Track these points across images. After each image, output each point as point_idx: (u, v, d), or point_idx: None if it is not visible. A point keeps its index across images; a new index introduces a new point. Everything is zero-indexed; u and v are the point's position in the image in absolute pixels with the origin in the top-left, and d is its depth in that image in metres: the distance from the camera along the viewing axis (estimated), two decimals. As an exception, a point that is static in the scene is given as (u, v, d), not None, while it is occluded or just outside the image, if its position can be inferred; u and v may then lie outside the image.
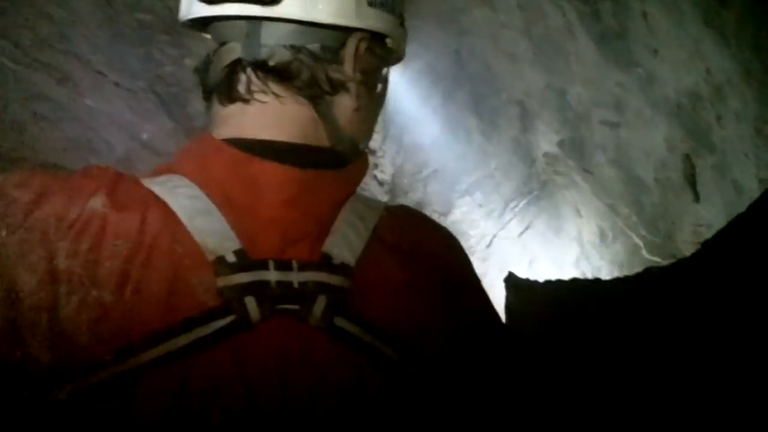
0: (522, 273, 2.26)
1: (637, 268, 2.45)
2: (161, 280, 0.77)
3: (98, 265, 0.76)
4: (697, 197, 3.22)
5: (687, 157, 3.22)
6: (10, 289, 0.75)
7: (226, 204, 0.82)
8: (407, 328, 0.85)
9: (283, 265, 0.81)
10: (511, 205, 2.21)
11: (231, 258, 0.79)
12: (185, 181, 0.84)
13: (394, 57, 0.93)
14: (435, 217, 2.01)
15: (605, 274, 3.19)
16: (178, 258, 0.78)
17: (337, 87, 0.87)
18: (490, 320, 0.95)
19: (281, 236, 0.83)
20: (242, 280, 0.79)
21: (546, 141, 2.22)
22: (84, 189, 0.80)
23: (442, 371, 0.87)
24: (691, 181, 3.29)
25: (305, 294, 0.81)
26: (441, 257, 0.92)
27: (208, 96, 0.90)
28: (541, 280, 2.28)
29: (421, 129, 2.32)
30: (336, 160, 0.88)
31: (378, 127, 2.11)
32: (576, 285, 2.29)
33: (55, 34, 1.43)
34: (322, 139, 0.88)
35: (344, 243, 0.86)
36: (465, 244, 2.04)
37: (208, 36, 0.91)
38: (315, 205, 0.85)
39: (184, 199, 0.82)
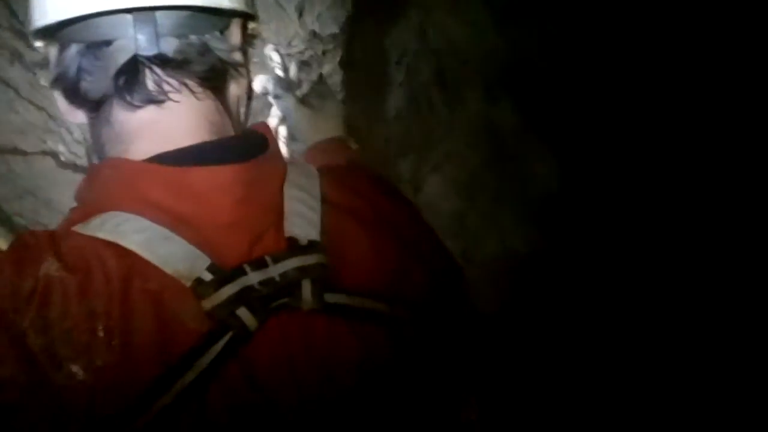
0: (495, 249, 2.25)
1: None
2: (147, 324, 0.73)
3: (76, 331, 0.71)
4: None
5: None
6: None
7: (178, 224, 0.78)
8: (386, 281, 0.87)
9: (259, 264, 0.80)
10: (481, 179, 2.20)
11: (207, 276, 0.77)
12: (124, 215, 0.78)
13: (253, 39, 0.91)
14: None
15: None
16: (154, 295, 0.75)
17: (234, 74, 0.86)
18: (443, 255, 0.99)
19: (245, 237, 0.81)
20: (228, 294, 0.77)
21: (514, 112, 2.19)
22: (28, 259, 0.73)
23: (426, 313, 0.89)
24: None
25: (289, 284, 0.80)
26: (387, 207, 0.93)
27: (95, 107, 0.81)
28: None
29: (385, 104, 2.32)
30: (255, 145, 0.85)
31: (341, 101, 2.08)
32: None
33: (5, 14, 1.39)
34: (229, 130, 0.86)
35: (303, 221, 0.85)
36: (437, 222, 2.02)
37: (56, 44, 0.81)
38: (264, 195, 0.84)
39: (134, 234, 0.77)
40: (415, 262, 0.91)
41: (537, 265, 2.26)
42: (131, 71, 0.80)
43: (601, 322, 2.19)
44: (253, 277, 0.79)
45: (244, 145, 0.85)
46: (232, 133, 0.86)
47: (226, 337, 0.76)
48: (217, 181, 0.80)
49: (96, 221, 0.78)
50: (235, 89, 0.87)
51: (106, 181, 0.82)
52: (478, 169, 2.21)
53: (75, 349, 0.71)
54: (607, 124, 2.36)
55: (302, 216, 0.85)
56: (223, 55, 0.83)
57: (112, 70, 0.80)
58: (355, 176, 0.99)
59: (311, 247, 0.83)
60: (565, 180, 2.30)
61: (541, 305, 2.22)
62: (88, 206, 0.81)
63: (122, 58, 0.79)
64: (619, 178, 2.35)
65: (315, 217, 0.86)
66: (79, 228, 0.78)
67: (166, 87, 0.81)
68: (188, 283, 0.76)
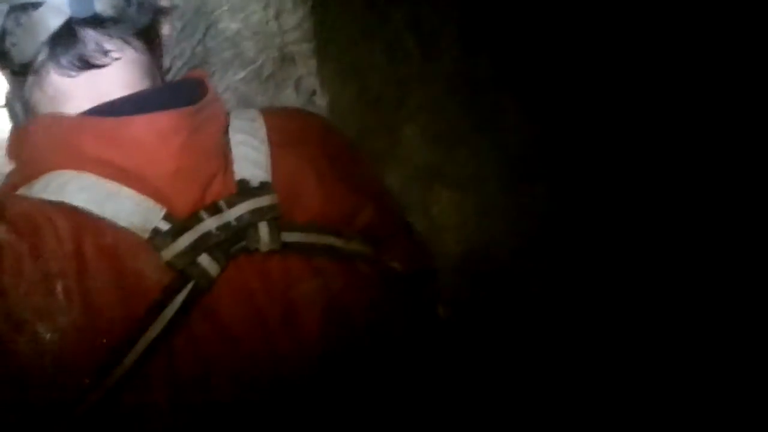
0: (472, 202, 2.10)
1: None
2: (105, 281, 0.72)
3: (32, 295, 0.70)
4: None
5: None
6: None
7: (124, 177, 0.76)
8: (339, 217, 0.88)
9: (214, 210, 0.79)
10: (457, 130, 1.95)
11: (164, 226, 0.75)
12: (67, 174, 0.76)
13: None
14: (380, 146, 2.15)
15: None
16: (110, 251, 0.73)
17: (161, 22, 0.86)
18: (391, 197, 1.02)
19: (195, 183, 0.79)
20: (187, 243, 0.76)
21: (492, 63, 1.80)
22: None
23: (380, 249, 0.91)
24: None
25: (246, 227, 0.79)
26: (333, 145, 0.93)
27: (23, 70, 0.80)
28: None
29: (359, 53, 2.18)
30: (193, 91, 0.84)
31: (314, 49, 2.27)
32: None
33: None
34: (158, 79, 0.87)
35: (252, 163, 0.83)
36: (413, 173, 2.18)
37: None
38: (208, 140, 0.82)
39: (80, 192, 0.75)
40: (365, 198, 0.92)
41: (515, 218, 2.05)
42: (67, 35, 0.77)
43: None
44: (210, 223, 0.78)
45: (182, 91, 0.83)
46: (160, 81, 0.86)
47: (189, 286, 0.75)
48: (157, 127, 0.77)
49: (39, 184, 0.76)
50: (163, 36, 0.88)
51: (41, 140, 0.79)
52: (454, 120, 2.04)
53: (35, 312, 0.69)
54: (588, 80, 1.80)
55: (249, 159, 0.84)
56: (155, 4, 0.83)
57: (44, 35, 0.76)
58: (299, 117, 0.98)
59: (263, 188, 0.82)
60: (543, 133, 1.92)
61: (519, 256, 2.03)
62: (26, 168, 0.79)
63: (55, 22, 0.76)
64: (598, 130, 1.86)
65: (262, 158, 0.84)
66: (23, 191, 0.76)
67: (107, 48, 0.79)
68: (145, 235, 0.74)
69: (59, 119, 0.79)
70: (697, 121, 1.66)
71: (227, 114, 0.86)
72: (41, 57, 0.78)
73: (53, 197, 0.75)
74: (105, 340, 0.71)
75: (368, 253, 0.87)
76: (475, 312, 2.00)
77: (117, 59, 0.80)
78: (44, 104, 0.81)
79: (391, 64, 2.12)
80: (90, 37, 0.78)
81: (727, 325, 1.68)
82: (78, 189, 0.75)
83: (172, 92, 0.83)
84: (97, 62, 0.79)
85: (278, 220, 0.81)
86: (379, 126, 2.17)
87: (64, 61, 0.78)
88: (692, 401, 1.71)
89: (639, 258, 1.81)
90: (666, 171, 1.74)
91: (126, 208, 0.75)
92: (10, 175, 0.81)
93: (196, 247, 0.76)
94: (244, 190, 0.81)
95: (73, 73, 0.79)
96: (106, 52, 0.79)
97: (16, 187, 0.78)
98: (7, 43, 0.78)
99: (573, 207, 1.96)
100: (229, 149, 0.83)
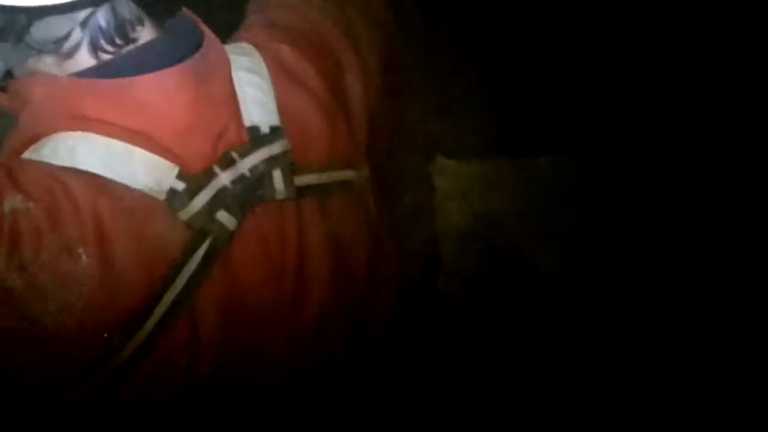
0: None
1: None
2: (126, 245, 0.72)
3: (56, 264, 0.69)
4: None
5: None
6: None
7: (131, 137, 0.74)
8: (349, 149, 0.88)
9: (227, 163, 0.77)
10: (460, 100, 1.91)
11: (179, 186, 0.74)
12: (74, 136, 0.74)
13: None
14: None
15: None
16: (129, 215, 0.73)
17: None
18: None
19: (206, 138, 0.78)
20: (204, 201, 0.75)
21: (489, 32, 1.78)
22: None
23: (391, 175, 0.94)
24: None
25: (261, 177, 0.79)
26: (329, 71, 0.91)
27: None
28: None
29: None
30: (192, 36, 0.81)
31: None
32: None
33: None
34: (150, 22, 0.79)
35: (260, 106, 0.82)
36: (414, 143, 2.15)
37: None
38: (216, 88, 0.79)
39: (90, 156, 0.73)
40: (374, 129, 0.92)
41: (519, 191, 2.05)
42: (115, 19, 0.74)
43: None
44: (225, 178, 0.77)
45: (181, 38, 0.80)
46: (154, 26, 0.79)
47: (207, 243, 0.75)
48: (162, 88, 0.75)
49: (46, 148, 0.74)
50: None
51: (41, 101, 0.76)
52: (457, 90, 2.03)
53: (59, 281, 0.69)
54: (596, 52, 1.78)
55: (257, 101, 0.82)
56: None
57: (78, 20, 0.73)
58: (290, 41, 0.92)
59: (274, 134, 0.81)
60: (549, 105, 1.90)
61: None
62: (27, 129, 0.77)
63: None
64: (607, 103, 1.84)
65: (269, 99, 0.83)
66: (29, 155, 0.74)
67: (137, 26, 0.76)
68: (161, 197, 0.74)
69: (57, 81, 0.76)
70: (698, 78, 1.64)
71: (227, 55, 0.83)
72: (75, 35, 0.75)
73: (64, 162, 0.73)
74: (130, 303, 0.71)
75: (380, 181, 0.89)
76: (477, 283, 2.00)
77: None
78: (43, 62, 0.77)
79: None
80: (128, 12, 0.76)
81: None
82: (88, 152, 0.74)
83: (173, 42, 0.79)
84: (131, 38, 0.76)
85: (292, 165, 0.80)
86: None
87: (103, 41, 0.75)
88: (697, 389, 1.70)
89: (645, 232, 1.79)
90: (677, 149, 1.72)
91: (139, 169, 0.74)
92: (10, 137, 0.79)
93: (213, 205, 0.75)
94: (256, 137, 0.80)
95: (101, 54, 0.75)
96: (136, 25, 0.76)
97: (18, 152, 0.76)
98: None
99: (577, 181, 1.95)
100: (235, 92, 0.81)
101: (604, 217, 1.91)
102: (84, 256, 0.70)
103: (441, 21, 2.02)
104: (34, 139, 0.76)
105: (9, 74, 0.79)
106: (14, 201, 0.70)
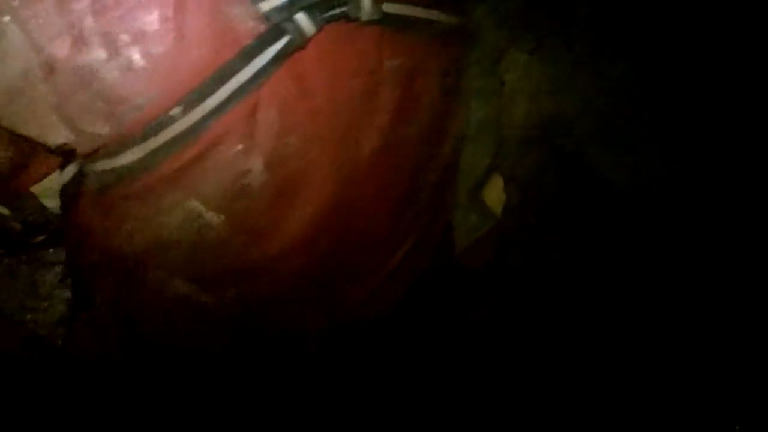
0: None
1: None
2: (202, 18, 0.74)
3: (128, 18, 0.72)
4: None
5: None
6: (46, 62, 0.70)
7: None
8: None
9: None
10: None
11: None
12: None
13: None
14: None
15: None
16: None
17: None
18: None
19: None
20: None
21: None
22: None
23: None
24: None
25: None
26: None
27: None
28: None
29: None
30: None
31: None
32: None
33: None
34: None
35: None
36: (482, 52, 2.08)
37: None
38: None
39: None
40: None
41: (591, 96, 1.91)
42: None
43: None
44: None
45: None
46: None
47: (284, 40, 0.76)
48: None
49: None
50: None
51: None
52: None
53: (130, 35, 0.71)
54: None
55: None
56: None
57: None
58: None
59: None
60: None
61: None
62: None
63: None
64: None
65: None
66: None
67: None
68: None
69: None
70: None
71: None
72: None
73: None
74: (191, 75, 0.73)
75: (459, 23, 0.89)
76: (536, 189, 1.91)
77: None
78: None
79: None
80: None
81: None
82: None
83: None
84: None
85: None
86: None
87: None
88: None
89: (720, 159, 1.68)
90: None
91: None
92: None
93: (294, 3, 0.76)
94: None
95: None
96: None
97: None
98: None
99: (657, 91, 1.83)
100: None
101: (679, 135, 1.80)
102: (158, 18, 0.71)
103: None
104: None
105: None
106: None
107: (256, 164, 0.77)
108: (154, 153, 0.75)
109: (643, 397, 1.54)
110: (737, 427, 1.42)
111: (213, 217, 0.77)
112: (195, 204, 0.75)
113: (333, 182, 0.81)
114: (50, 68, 0.71)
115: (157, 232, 0.78)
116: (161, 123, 0.74)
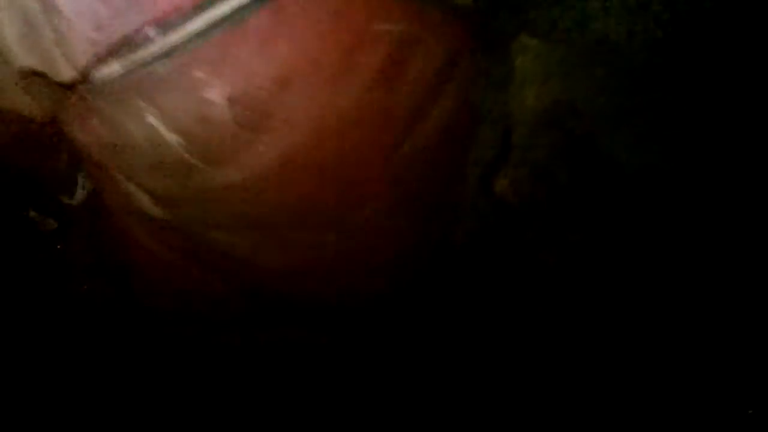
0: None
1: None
2: None
3: None
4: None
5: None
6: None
7: None
8: None
9: None
10: None
11: None
12: None
13: None
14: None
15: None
16: None
17: None
18: None
19: None
20: None
21: None
22: None
23: None
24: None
25: None
26: None
27: None
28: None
29: None
30: None
31: None
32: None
33: None
34: None
35: None
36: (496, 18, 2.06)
37: None
38: None
39: None
40: None
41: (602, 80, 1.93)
42: None
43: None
44: None
45: None
46: None
47: None
48: None
49: None
50: None
51: None
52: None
53: None
54: None
55: None
56: None
57: None
58: None
59: None
60: None
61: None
62: None
63: None
64: None
65: None
66: None
67: None
68: None
69: None
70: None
71: None
72: None
73: None
74: (174, 3, 0.75)
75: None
76: (547, 173, 1.91)
77: None
78: None
79: None
80: None
81: None
82: None
83: None
84: None
85: None
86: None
87: None
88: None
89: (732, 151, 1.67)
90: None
91: None
92: None
93: None
94: None
95: None
96: None
97: None
98: None
99: (669, 77, 1.82)
100: None
101: (691, 118, 1.79)
102: None
103: None
104: None
105: None
106: None
107: (220, 96, 0.78)
108: (131, 70, 0.78)
109: (652, 384, 1.55)
110: (750, 411, 1.40)
111: (172, 138, 0.81)
112: (156, 121, 0.80)
113: (305, 128, 0.83)
114: (53, 8, 0.75)
115: (121, 136, 0.82)
116: (139, 43, 0.76)
